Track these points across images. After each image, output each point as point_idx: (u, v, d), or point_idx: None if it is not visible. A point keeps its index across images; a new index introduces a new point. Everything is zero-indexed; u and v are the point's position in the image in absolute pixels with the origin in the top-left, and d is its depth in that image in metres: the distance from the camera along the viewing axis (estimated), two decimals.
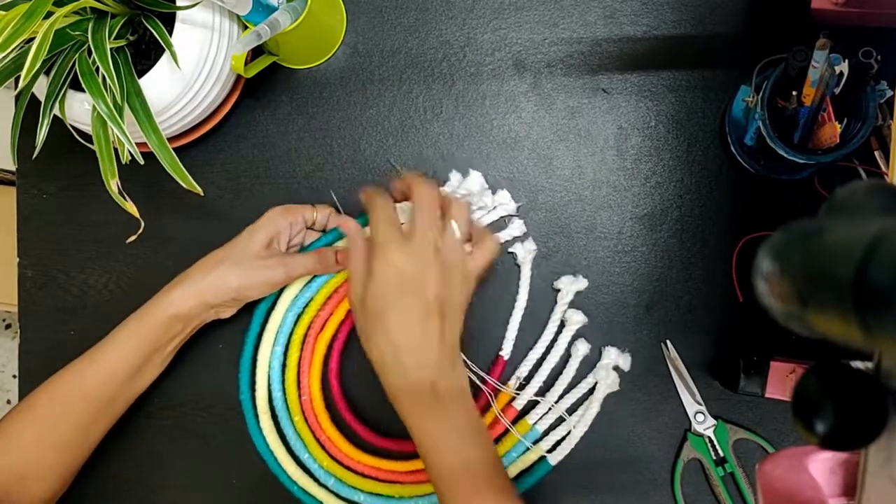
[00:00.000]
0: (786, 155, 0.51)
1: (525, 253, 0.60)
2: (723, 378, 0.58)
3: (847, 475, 0.32)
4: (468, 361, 0.59)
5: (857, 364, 0.26)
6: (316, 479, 0.60)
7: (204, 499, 0.63)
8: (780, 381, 0.54)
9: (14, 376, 1.58)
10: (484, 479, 0.49)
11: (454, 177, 0.61)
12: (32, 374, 0.65)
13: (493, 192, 0.61)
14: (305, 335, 0.61)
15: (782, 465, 0.34)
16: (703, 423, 0.59)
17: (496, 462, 0.51)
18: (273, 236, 0.57)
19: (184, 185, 0.53)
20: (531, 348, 0.60)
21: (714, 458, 0.59)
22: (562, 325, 0.61)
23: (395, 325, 0.49)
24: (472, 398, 0.53)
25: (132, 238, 0.57)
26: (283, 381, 0.61)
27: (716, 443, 0.59)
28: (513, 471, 0.59)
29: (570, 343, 0.60)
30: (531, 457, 0.59)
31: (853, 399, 0.24)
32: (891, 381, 0.25)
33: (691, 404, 0.59)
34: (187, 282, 0.55)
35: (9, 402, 1.58)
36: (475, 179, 0.60)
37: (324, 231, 0.61)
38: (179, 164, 0.52)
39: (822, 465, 0.32)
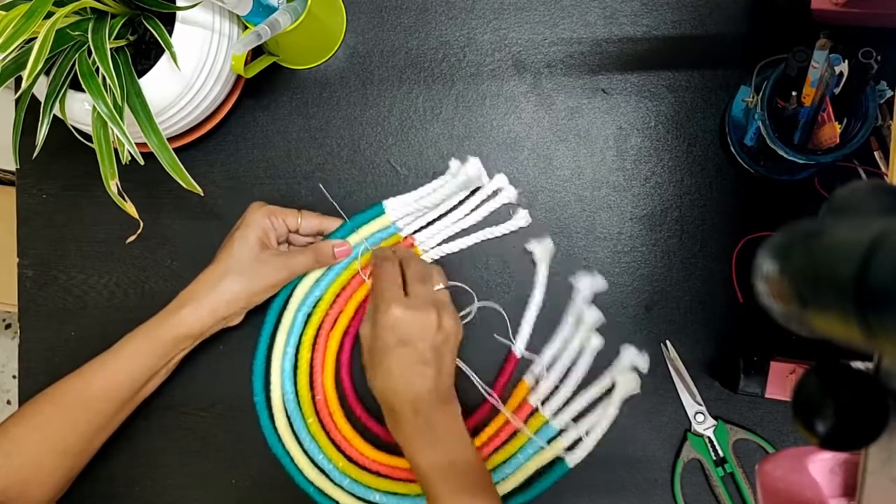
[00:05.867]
0: (786, 155, 0.51)
1: (543, 251, 0.60)
2: (723, 378, 0.58)
3: (847, 475, 0.32)
4: (471, 373, 0.60)
5: (858, 364, 0.26)
6: (332, 480, 0.60)
7: (204, 499, 0.63)
8: (781, 382, 0.54)
9: (14, 376, 1.58)
10: (467, 477, 0.53)
11: (453, 164, 0.61)
12: (32, 375, 0.65)
13: (490, 177, 0.61)
14: (317, 334, 0.61)
15: (782, 466, 0.34)
16: (703, 424, 0.59)
17: (481, 468, 0.55)
18: (262, 237, 0.57)
19: (184, 186, 0.53)
20: (546, 345, 0.60)
21: (714, 458, 0.59)
22: (576, 322, 0.61)
23: (395, 369, 0.53)
24: (462, 418, 0.56)
25: (131, 238, 0.57)
26: (295, 382, 0.61)
27: (716, 443, 0.59)
28: (531, 467, 0.59)
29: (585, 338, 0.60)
30: (547, 455, 0.59)
31: (853, 399, 0.24)
32: (891, 382, 0.25)
33: (691, 404, 0.59)
34: (196, 300, 0.56)
35: (9, 402, 1.58)
36: (473, 165, 0.59)
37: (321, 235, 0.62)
38: (179, 164, 0.52)
39: (822, 466, 0.32)
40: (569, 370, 0.60)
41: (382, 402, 0.55)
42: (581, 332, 0.60)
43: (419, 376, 0.53)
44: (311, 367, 0.61)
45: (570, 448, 0.59)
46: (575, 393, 0.60)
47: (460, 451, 0.54)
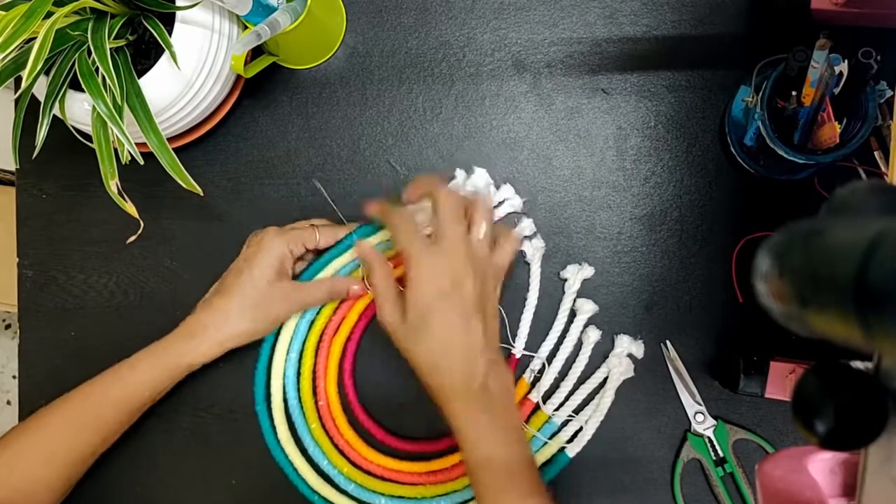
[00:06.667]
0: (786, 155, 0.51)
1: (534, 250, 0.60)
2: (723, 378, 0.58)
3: (847, 475, 0.32)
4: None
5: (857, 364, 0.26)
6: (336, 486, 0.59)
7: (204, 499, 0.63)
8: (780, 382, 0.54)
9: (14, 377, 1.58)
10: (523, 477, 0.50)
11: (459, 174, 0.61)
12: (32, 375, 0.65)
13: (497, 188, 0.61)
14: (319, 341, 0.61)
15: (782, 466, 0.34)
16: (703, 424, 0.59)
17: (532, 461, 0.52)
18: (279, 266, 0.56)
19: (184, 186, 0.52)
20: (543, 340, 0.60)
21: (714, 458, 0.59)
22: (572, 315, 0.61)
23: (440, 327, 0.49)
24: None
25: (132, 239, 0.57)
26: (298, 389, 0.61)
27: (715, 443, 0.59)
28: None
29: (581, 331, 0.60)
30: (551, 449, 0.59)
31: (853, 399, 0.24)
32: (891, 381, 0.25)
33: (691, 404, 0.59)
34: (206, 332, 0.55)
35: (9, 402, 1.58)
36: (480, 176, 0.60)
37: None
38: (179, 164, 0.52)
39: (821, 466, 0.32)
40: (568, 365, 0.60)
41: (430, 383, 0.50)
42: (577, 324, 0.60)
43: (466, 334, 0.48)
44: (315, 373, 0.61)
45: (571, 439, 0.59)
46: (575, 387, 0.60)
47: (527, 447, 0.52)
